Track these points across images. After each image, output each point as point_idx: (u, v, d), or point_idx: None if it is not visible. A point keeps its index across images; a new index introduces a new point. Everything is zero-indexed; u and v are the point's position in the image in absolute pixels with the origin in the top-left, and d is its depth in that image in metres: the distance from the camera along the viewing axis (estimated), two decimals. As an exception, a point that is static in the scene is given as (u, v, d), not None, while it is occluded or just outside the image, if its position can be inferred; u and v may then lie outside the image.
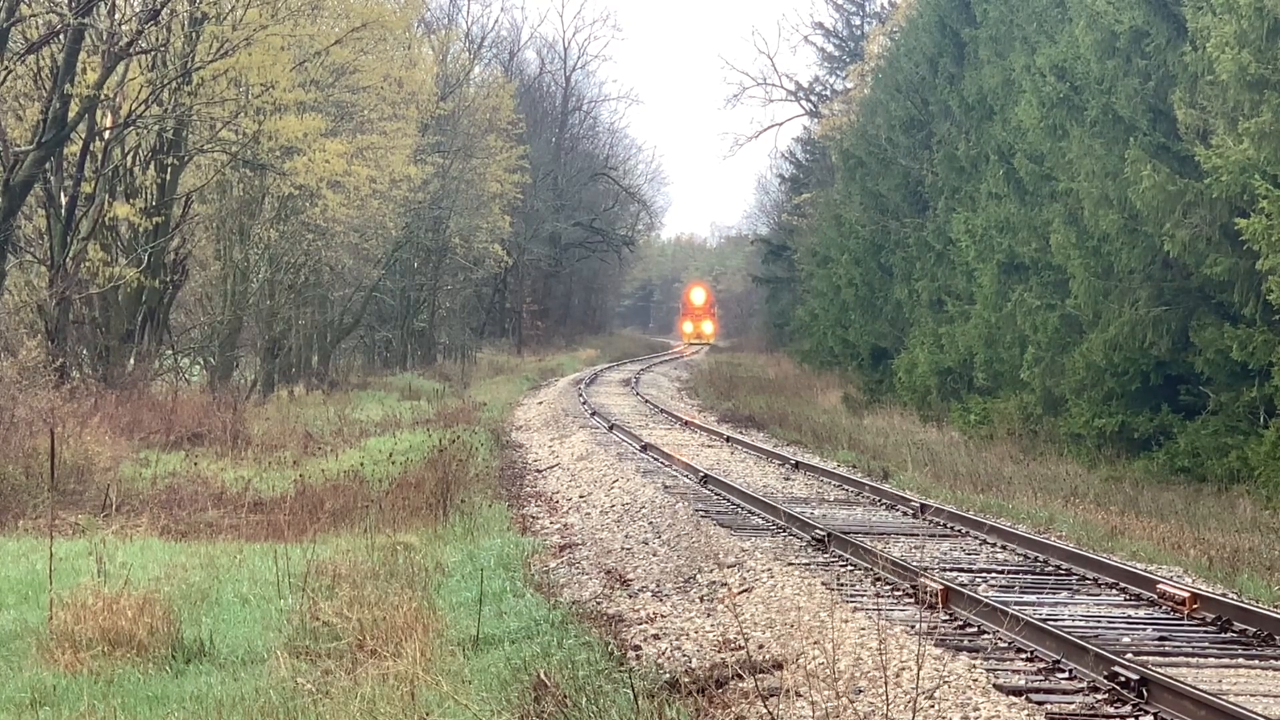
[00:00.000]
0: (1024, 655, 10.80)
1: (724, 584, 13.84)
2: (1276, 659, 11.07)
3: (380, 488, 19.46)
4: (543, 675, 9.77)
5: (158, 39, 29.69)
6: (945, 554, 15.66)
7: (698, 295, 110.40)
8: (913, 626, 11.27)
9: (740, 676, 10.21)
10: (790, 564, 14.64)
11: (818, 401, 43.33)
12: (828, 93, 77.46)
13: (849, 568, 14.61)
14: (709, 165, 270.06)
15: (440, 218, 56.31)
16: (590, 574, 15.44)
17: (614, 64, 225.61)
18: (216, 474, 22.11)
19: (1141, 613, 12.71)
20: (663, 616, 12.99)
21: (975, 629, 11.64)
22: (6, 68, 25.93)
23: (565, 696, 9.36)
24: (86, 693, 9.71)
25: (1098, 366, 26.17)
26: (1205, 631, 11.97)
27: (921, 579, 12.72)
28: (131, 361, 30.83)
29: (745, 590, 13.58)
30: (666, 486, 21.23)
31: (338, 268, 45.04)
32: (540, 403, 42.08)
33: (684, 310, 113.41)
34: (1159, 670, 9.93)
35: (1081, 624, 12.02)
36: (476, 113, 61.85)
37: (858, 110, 56.39)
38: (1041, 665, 10.54)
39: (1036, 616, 11.62)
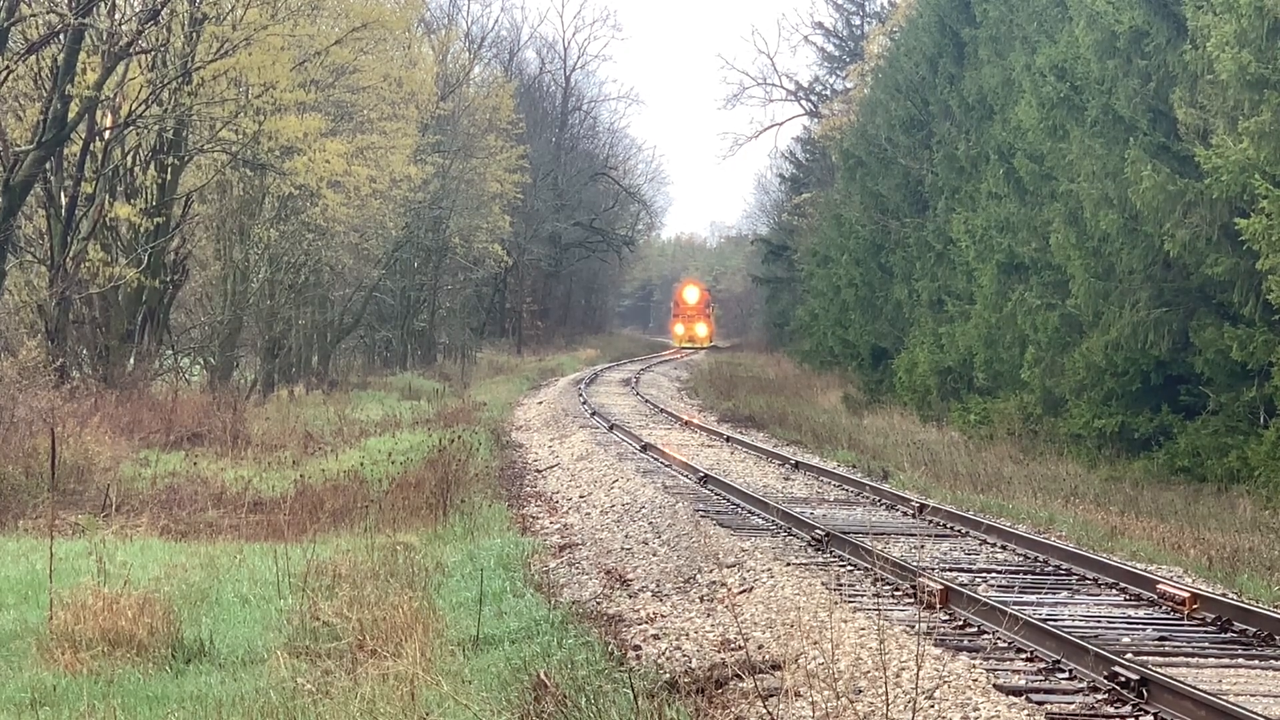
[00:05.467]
0: (1024, 655, 10.80)
1: (724, 584, 13.84)
2: (1276, 659, 11.07)
3: (380, 488, 19.46)
4: (543, 675, 9.78)
5: (158, 39, 29.69)
6: (945, 554, 15.66)
7: (691, 294, 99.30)
8: (912, 626, 11.27)
9: (740, 677, 10.20)
10: (790, 564, 14.64)
11: (818, 401, 43.32)
12: (828, 93, 77.50)
13: (848, 568, 14.61)
14: (709, 165, 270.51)
15: (440, 218, 56.32)
16: (590, 574, 15.44)
17: (614, 64, 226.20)
18: (216, 474, 22.11)
19: (1141, 613, 12.71)
20: (662, 616, 12.98)
21: (975, 629, 11.64)
22: (7, 68, 25.93)
23: (565, 696, 9.36)
24: (86, 693, 9.71)
25: (1098, 367, 26.17)
26: (1205, 631, 11.97)
27: (921, 579, 12.71)
28: (131, 361, 30.84)
29: (745, 590, 13.58)
30: (666, 486, 21.23)
31: (338, 268, 45.05)
32: (540, 402, 42.08)
33: (675, 311, 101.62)
34: (1159, 670, 9.92)
35: (1081, 624, 12.02)
36: (476, 113, 61.87)
37: (858, 110, 56.39)
38: (1041, 665, 10.54)
39: (1036, 616, 11.61)
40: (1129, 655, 10.52)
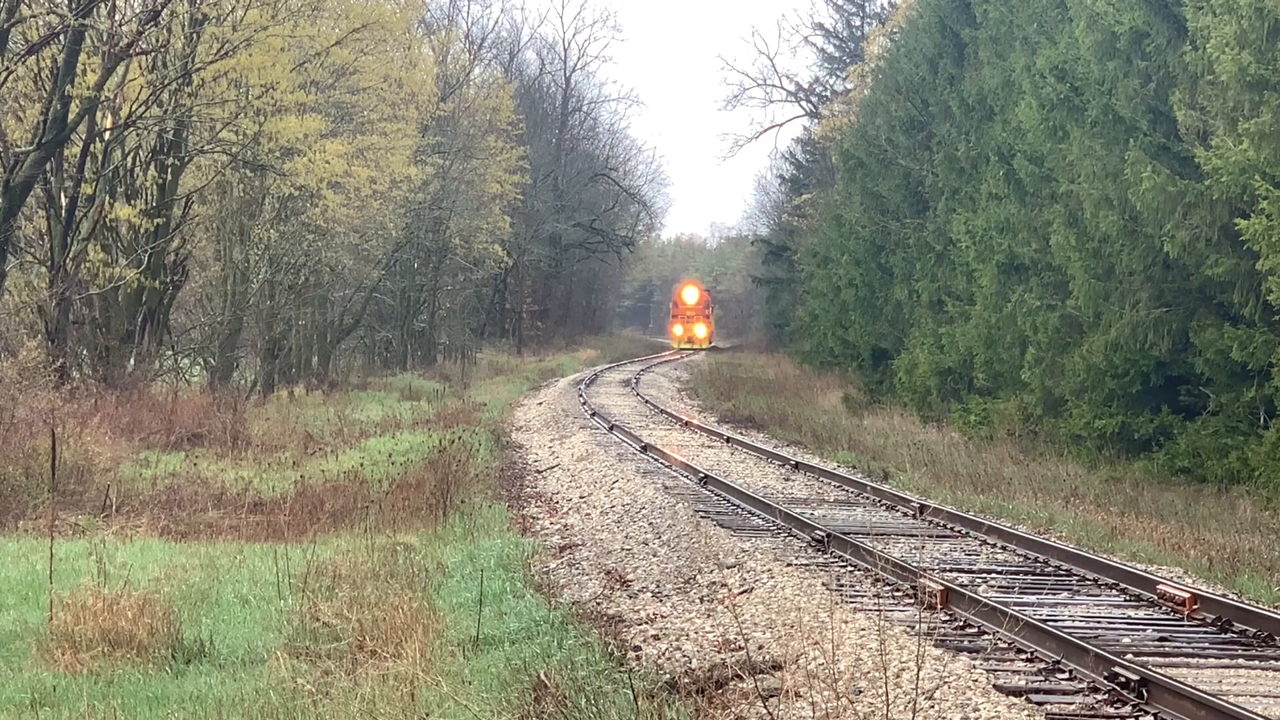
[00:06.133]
0: (1024, 656, 10.80)
1: (724, 585, 13.84)
2: (1276, 659, 11.08)
3: (380, 488, 19.45)
4: (543, 676, 9.78)
5: (158, 40, 29.71)
6: (945, 554, 15.67)
7: (690, 294, 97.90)
8: (912, 627, 11.27)
9: (740, 677, 10.21)
10: (790, 565, 14.64)
11: (818, 402, 43.33)
12: (828, 93, 77.53)
13: (849, 568, 14.61)
14: (709, 166, 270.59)
15: (440, 218, 56.35)
16: (590, 575, 15.44)
17: (614, 65, 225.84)
18: (216, 474, 22.10)
19: (1141, 613, 12.71)
20: (663, 617, 12.99)
21: (975, 629, 11.64)
22: (7, 68, 25.94)
23: (565, 697, 9.36)
24: (86, 693, 9.71)
25: (1098, 367, 26.17)
26: (1205, 632, 11.97)
27: (921, 579, 12.71)
28: (131, 362, 30.85)
29: (745, 591, 13.58)
30: (666, 487, 21.22)
31: (338, 268, 45.05)
32: (540, 403, 42.09)
33: (674, 311, 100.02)
34: (1159, 671, 9.93)
35: (1081, 624, 12.02)
36: (476, 113, 61.90)
37: (858, 111, 56.43)
38: (1041, 666, 10.54)
39: (1036, 617, 11.61)
40: (1129, 656, 10.52)
